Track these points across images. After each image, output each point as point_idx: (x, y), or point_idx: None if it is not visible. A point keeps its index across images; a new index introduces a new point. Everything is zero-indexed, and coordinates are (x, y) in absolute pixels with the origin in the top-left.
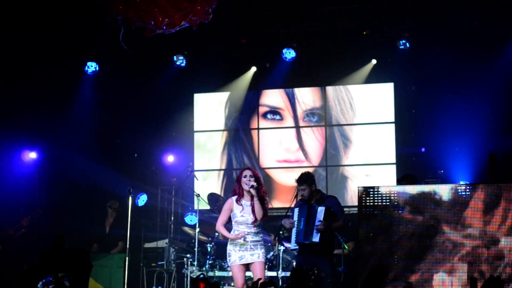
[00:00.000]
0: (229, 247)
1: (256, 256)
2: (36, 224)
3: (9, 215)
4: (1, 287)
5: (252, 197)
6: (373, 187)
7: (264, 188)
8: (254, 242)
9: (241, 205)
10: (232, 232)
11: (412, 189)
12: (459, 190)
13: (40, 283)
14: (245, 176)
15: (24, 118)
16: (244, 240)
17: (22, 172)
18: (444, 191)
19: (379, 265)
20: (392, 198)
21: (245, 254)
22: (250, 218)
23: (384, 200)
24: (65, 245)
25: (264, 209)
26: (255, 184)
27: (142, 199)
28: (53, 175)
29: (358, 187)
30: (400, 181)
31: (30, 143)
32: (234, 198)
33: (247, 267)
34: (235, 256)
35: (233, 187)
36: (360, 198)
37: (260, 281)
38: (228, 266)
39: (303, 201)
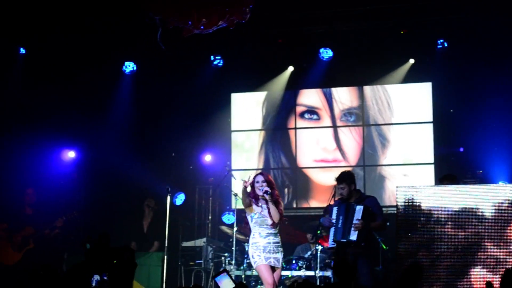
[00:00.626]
0: (251, 250)
1: (278, 261)
2: (72, 224)
3: (47, 215)
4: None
5: (267, 201)
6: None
7: (277, 191)
8: (276, 244)
9: (260, 206)
10: (251, 235)
11: (454, 194)
12: (498, 190)
13: (94, 280)
14: (258, 182)
15: (63, 118)
16: (268, 193)
17: (61, 171)
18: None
19: (414, 262)
20: (432, 199)
21: (270, 256)
22: (269, 219)
23: (424, 202)
24: (109, 243)
25: (280, 212)
26: (268, 189)
27: (180, 198)
28: (92, 175)
29: (397, 187)
30: (442, 180)
31: (69, 142)
32: (253, 203)
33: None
34: (261, 256)
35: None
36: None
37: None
38: None
39: (342, 200)
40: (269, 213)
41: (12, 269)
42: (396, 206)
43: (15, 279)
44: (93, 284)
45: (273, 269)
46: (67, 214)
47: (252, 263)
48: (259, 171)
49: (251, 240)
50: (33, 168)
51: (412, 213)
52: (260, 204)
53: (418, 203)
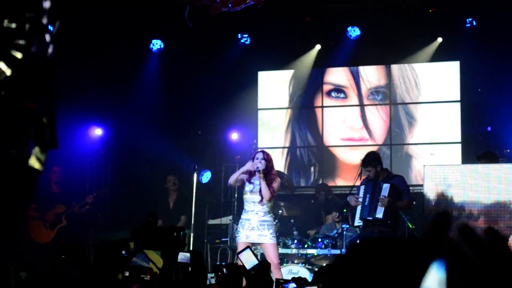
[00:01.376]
0: (239, 226)
1: (264, 237)
2: (101, 201)
3: (74, 192)
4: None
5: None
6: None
7: (274, 171)
8: (262, 222)
9: (252, 183)
10: (244, 209)
11: (480, 173)
12: None
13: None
14: (257, 159)
15: (90, 96)
16: (257, 170)
17: (88, 148)
18: None
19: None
20: (459, 178)
21: (252, 233)
22: (257, 197)
23: (451, 180)
24: (157, 222)
25: (271, 191)
26: (260, 166)
27: (206, 176)
28: (118, 152)
29: (424, 165)
30: (480, 158)
31: (96, 119)
32: (245, 176)
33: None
34: (242, 234)
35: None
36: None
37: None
38: (291, 244)
39: (369, 179)
40: (260, 190)
41: (47, 247)
42: (423, 185)
43: (50, 257)
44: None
45: (260, 246)
46: (97, 191)
47: (236, 238)
48: (260, 149)
49: (242, 216)
50: (62, 145)
51: (439, 191)
52: (252, 180)
53: (445, 182)
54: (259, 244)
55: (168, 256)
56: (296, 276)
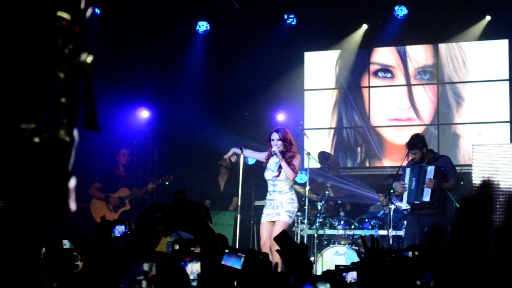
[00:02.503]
0: (264, 208)
1: (277, 214)
2: (160, 187)
3: (137, 176)
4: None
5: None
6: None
7: (294, 148)
8: (281, 201)
9: (271, 164)
10: (267, 190)
11: None
12: None
13: (117, 231)
14: (273, 140)
15: (138, 78)
16: (273, 154)
17: (137, 130)
18: None
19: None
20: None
21: (271, 212)
22: (273, 175)
23: (500, 160)
24: (187, 198)
25: (292, 169)
26: (275, 150)
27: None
28: (166, 133)
29: (473, 145)
30: None
31: (143, 102)
32: (265, 156)
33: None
34: (264, 213)
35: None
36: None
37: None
38: (338, 225)
39: (415, 162)
40: (279, 169)
41: None
42: (471, 165)
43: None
44: (117, 235)
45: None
46: (162, 177)
47: None
48: (275, 128)
49: (266, 197)
50: (120, 128)
51: (487, 171)
52: (270, 161)
53: (494, 161)
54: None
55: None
56: (343, 256)
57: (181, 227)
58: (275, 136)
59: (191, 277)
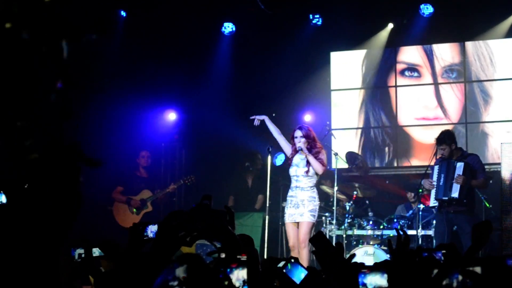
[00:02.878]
0: (286, 205)
1: (300, 214)
2: (183, 188)
3: (160, 177)
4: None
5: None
6: None
7: (319, 143)
8: (303, 198)
9: (296, 160)
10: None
11: None
12: None
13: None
14: (296, 137)
15: (164, 80)
16: (299, 149)
17: (163, 133)
18: None
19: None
20: None
21: (295, 212)
22: (301, 171)
23: None
24: (211, 204)
25: (321, 162)
26: (301, 146)
27: (280, 159)
28: (193, 135)
29: (502, 143)
30: None
31: (170, 104)
32: (290, 152)
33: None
34: (287, 213)
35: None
36: None
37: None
38: (367, 225)
39: (443, 159)
40: (307, 164)
41: None
42: (500, 163)
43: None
44: (150, 235)
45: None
46: (184, 178)
47: None
48: (298, 126)
49: (288, 193)
50: (141, 130)
51: None
52: (296, 157)
53: None
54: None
55: (228, 241)
56: (371, 256)
57: (204, 235)
58: (298, 133)
59: (237, 284)
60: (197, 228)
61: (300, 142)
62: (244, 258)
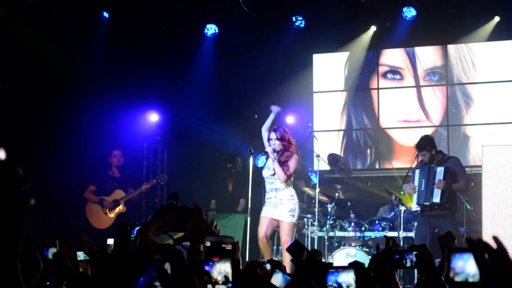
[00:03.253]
0: (264, 206)
1: (280, 214)
2: (159, 186)
3: (135, 177)
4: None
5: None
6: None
7: (293, 148)
8: (281, 199)
9: (267, 161)
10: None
11: None
12: None
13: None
14: (271, 139)
15: (146, 81)
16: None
17: (144, 133)
18: None
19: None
20: None
21: (270, 209)
22: (269, 173)
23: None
24: (178, 203)
25: (285, 170)
26: (269, 150)
27: (262, 160)
28: (175, 137)
29: (483, 146)
30: None
31: (152, 105)
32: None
33: (276, 222)
34: (264, 209)
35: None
36: None
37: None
38: (349, 226)
39: (424, 164)
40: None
41: (106, 232)
42: (481, 166)
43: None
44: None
45: (278, 222)
46: (156, 177)
47: None
48: (274, 128)
49: (266, 196)
50: (118, 130)
51: (497, 172)
52: (269, 161)
53: (504, 162)
54: (280, 221)
55: (194, 238)
56: (353, 258)
57: (172, 230)
58: (272, 135)
59: (219, 278)
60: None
61: (274, 145)
62: (229, 247)
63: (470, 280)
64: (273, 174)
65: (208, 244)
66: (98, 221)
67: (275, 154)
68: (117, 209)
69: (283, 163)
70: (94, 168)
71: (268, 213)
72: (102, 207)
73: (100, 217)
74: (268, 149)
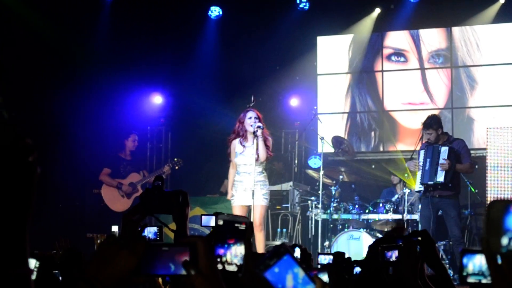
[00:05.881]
0: (233, 190)
1: (258, 198)
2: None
3: (143, 161)
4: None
5: (255, 138)
6: None
7: (266, 130)
8: (255, 182)
9: (243, 146)
10: (237, 171)
11: None
12: None
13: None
14: (250, 118)
15: (150, 63)
16: (259, 128)
17: (149, 116)
18: None
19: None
20: None
21: (245, 195)
22: (250, 158)
23: None
24: (164, 186)
25: (267, 150)
26: (261, 125)
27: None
28: (179, 119)
29: (487, 128)
30: None
31: (156, 87)
32: (237, 140)
33: (248, 208)
34: (236, 197)
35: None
36: None
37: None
38: (353, 209)
39: (429, 144)
40: (257, 149)
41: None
42: (486, 148)
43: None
44: (149, 236)
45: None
46: (173, 161)
47: (232, 202)
48: (250, 109)
49: (235, 178)
50: (122, 112)
51: (502, 154)
52: (244, 143)
53: (508, 144)
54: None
55: (179, 220)
56: (357, 240)
57: (158, 212)
58: (252, 114)
59: (235, 261)
60: (150, 210)
61: (256, 122)
62: (242, 227)
63: (484, 281)
64: (257, 159)
65: (221, 222)
66: (115, 204)
67: (260, 131)
68: (135, 193)
69: (265, 141)
70: (106, 151)
71: (242, 202)
72: (119, 190)
73: (118, 200)
74: (259, 125)
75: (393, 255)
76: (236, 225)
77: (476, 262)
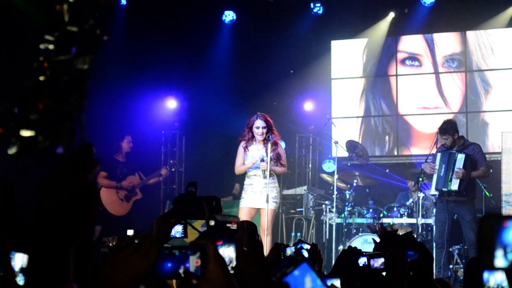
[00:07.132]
0: (243, 192)
1: (264, 203)
2: (177, 173)
3: (145, 163)
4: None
5: (265, 143)
6: None
7: (277, 135)
8: (264, 185)
9: (249, 150)
10: (246, 174)
11: None
12: None
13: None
14: (258, 128)
15: (164, 68)
16: (262, 160)
17: (163, 120)
18: None
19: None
20: None
21: (254, 198)
22: (257, 162)
23: None
24: (197, 191)
25: (282, 166)
26: (265, 158)
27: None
28: (193, 123)
29: (502, 132)
30: None
31: (170, 91)
32: (247, 144)
33: (256, 211)
34: (245, 199)
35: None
36: None
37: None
38: (367, 213)
39: (446, 148)
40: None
41: (123, 220)
42: (501, 153)
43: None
44: (177, 236)
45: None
46: (169, 163)
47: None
48: (259, 114)
49: (245, 182)
50: (136, 116)
51: None
52: (249, 147)
53: None
54: (260, 208)
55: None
56: (370, 245)
57: (190, 218)
58: (259, 123)
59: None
60: (183, 215)
61: (263, 134)
62: (234, 227)
63: None
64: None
65: (212, 223)
66: (115, 207)
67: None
68: (134, 196)
69: (277, 157)
70: (102, 154)
71: (251, 204)
72: (117, 193)
73: (117, 204)
74: (262, 165)
75: (375, 263)
76: (228, 225)
77: (498, 278)
